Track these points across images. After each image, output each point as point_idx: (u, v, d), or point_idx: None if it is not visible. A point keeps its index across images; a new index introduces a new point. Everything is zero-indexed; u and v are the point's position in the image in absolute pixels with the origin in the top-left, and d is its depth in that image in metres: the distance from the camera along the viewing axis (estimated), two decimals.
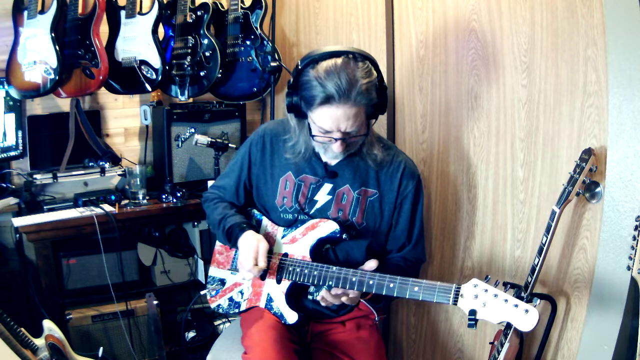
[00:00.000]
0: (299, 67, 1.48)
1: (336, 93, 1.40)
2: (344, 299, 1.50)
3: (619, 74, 1.48)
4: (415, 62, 2.12)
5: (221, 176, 1.85)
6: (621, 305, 1.51)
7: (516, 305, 1.21)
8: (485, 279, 1.29)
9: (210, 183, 2.42)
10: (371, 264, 1.51)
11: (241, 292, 1.72)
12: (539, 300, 1.23)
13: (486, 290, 1.26)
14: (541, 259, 1.53)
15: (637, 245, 1.37)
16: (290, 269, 1.60)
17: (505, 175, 1.85)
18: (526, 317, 1.19)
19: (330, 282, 1.50)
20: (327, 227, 1.60)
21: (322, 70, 1.43)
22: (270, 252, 1.67)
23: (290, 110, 1.54)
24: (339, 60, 1.43)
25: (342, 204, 1.64)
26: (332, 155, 1.60)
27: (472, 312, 1.25)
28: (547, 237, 1.52)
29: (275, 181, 1.70)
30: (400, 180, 1.64)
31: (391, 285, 1.41)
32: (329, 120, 1.45)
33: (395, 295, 1.40)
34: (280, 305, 1.61)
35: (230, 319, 2.35)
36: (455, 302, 1.29)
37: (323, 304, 1.55)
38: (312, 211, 1.66)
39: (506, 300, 1.22)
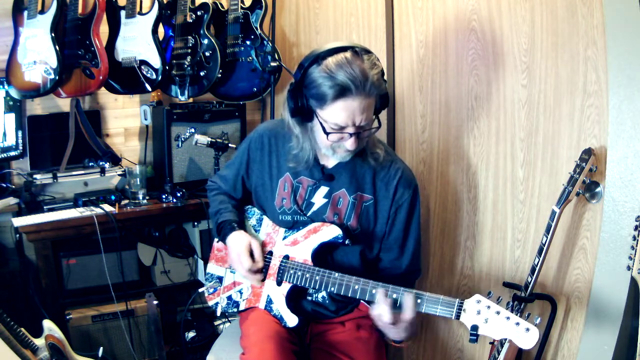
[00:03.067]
0: (304, 67, 1.45)
1: (352, 84, 1.38)
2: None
3: (619, 74, 1.48)
4: (415, 62, 2.12)
5: (225, 166, 1.89)
6: (621, 305, 1.51)
7: (517, 324, 1.23)
8: (488, 295, 1.30)
9: None
10: None
11: (240, 292, 1.72)
12: (539, 318, 1.24)
13: (489, 307, 1.27)
14: (541, 259, 1.53)
15: (637, 245, 1.37)
16: (292, 271, 1.59)
17: (505, 175, 1.85)
18: (527, 335, 1.21)
19: (332, 288, 1.50)
20: (330, 232, 1.59)
21: (332, 64, 1.40)
22: (270, 254, 1.68)
23: (296, 113, 1.50)
24: (347, 54, 1.41)
25: (338, 207, 1.63)
26: (342, 155, 1.55)
27: (474, 328, 1.27)
28: (547, 237, 1.52)
29: (274, 182, 1.69)
30: (395, 188, 1.61)
31: (394, 295, 1.41)
32: (344, 115, 1.42)
33: (397, 306, 1.40)
34: (281, 307, 1.61)
35: (230, 319, 2.35)
36: (457, 317, 1.31)
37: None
38: (309, 213, 1.65)
39: (508, 318, 1.24)
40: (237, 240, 1.65)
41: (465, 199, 1.99)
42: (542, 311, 1.71)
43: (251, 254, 1.63)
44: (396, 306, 1.40)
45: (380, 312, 1.39)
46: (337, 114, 1.43)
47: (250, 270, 1.62)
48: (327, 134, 1.47)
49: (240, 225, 1.71)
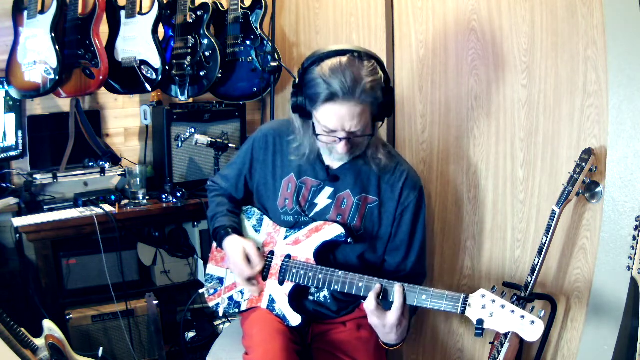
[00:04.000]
0: (304, 66, 1.47)
1: (340, 90, 1.39)
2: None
3: (619, 74, 1.48)
4: (415, 62, 2.12)
5: (227, 165, 1.88)
6: (621, 305, 1.51)
7: (523, 317, 1.24)
8: (492, 289, 1.31)
9: None
10: None
11: (241, 292, 1.72)
12: (543, 311, 1.25)
13: (493, 301, 1.29)
14: (541, 259, 1.53)
15: (637, 245, 1.37)
16: (294, 271, 1.59)
17: (505, 175, 1.85)
18: (532, 328, 1.22)
19: (336, 287, 1.50)
20: (332, 231, 1.59)
21: (327, 68, 1.42)
22: (272, 253, 1.68)
23: (295, 110, 1.52)
24: (344, 59, 1.42)
25: (341, 208, 1.63)
26: (337, 157, 1.58)
27: (480, 322, 1.28)
28: (547, 237, 1.52)
29: (277, 182, 1.69)
30: (401, 190, 1.61)
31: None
32: (334, 119, 1.44)
33: (389, 300, 1.40)
34: (283, 307, 1.61)
35: (230, 319, 2.35)
36: (463, 311, 1.31)
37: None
38: (312, 214, 1.65)
39: (513, 312, 1.25)
40: (232, 247, 1.64)
41: (465, 199, 1.99)
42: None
43: (248, 259, 1.62)
44: (388, 300, 1.41)
45: (367, 302, 1.41)
46: (327, 117, 1.45)
47: (250, 276, 1.62)
48: (316, 135, 1.50)
49: (236, 229, 1.70)
